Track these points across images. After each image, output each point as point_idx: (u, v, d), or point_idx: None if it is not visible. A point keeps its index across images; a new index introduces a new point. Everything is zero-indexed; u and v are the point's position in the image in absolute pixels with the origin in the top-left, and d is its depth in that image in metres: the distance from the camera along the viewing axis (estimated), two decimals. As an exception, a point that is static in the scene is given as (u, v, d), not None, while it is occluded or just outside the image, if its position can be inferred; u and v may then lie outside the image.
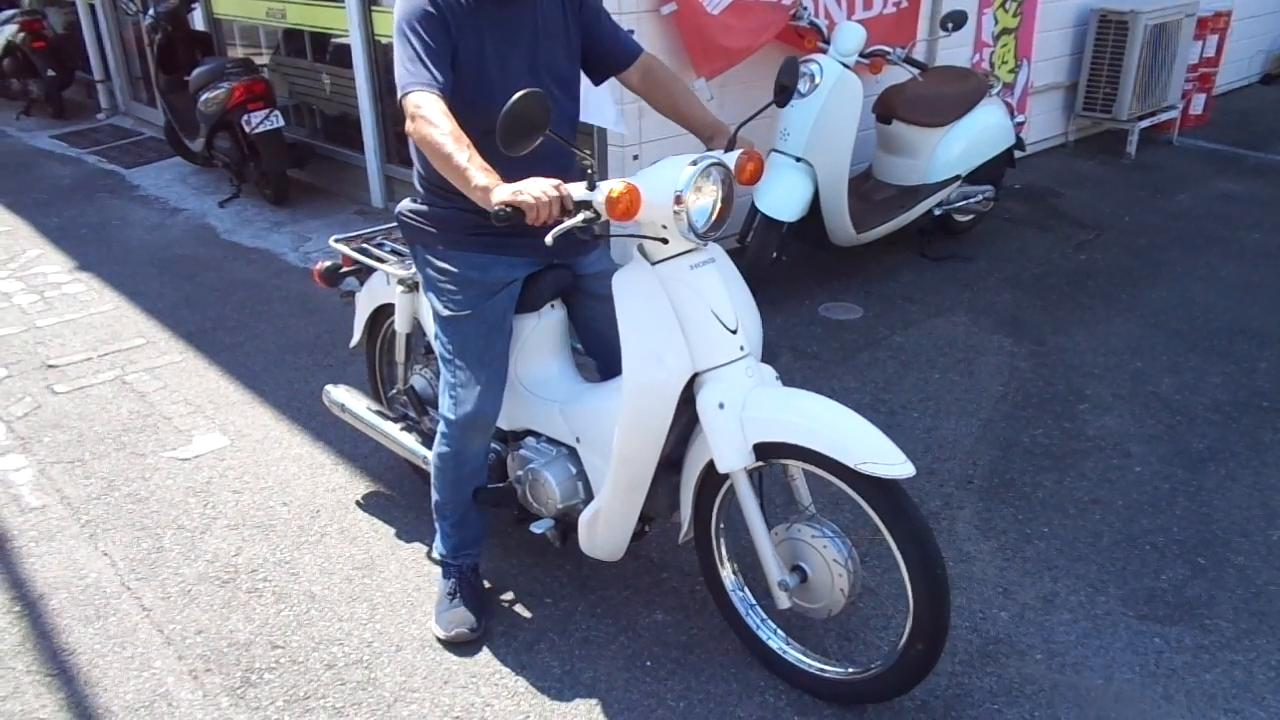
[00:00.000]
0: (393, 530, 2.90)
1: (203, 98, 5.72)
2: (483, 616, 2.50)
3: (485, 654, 2.43)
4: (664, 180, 1.98)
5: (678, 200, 1.96)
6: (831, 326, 4.10)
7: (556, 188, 1.94)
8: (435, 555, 2.61)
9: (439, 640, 2.46)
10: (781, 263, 4.24)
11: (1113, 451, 3.19)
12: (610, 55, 2.41)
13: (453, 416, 2.38)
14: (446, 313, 2.34)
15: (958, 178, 4.56)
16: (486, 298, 2.32)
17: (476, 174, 1.99)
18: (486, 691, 2.32)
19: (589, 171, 1.99)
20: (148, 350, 4.06)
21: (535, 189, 1.92)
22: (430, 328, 2.53)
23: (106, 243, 5.30)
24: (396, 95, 2.15)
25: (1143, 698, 2.25)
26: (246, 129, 5.51)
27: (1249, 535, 2.78)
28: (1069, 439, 3.26)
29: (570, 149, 2.07)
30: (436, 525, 2.56)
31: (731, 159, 2.10)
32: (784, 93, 2.18)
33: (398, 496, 3.05)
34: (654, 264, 2.08)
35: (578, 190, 1.98)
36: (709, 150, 2.22)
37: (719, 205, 2.05)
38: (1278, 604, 2.52)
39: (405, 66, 2.13)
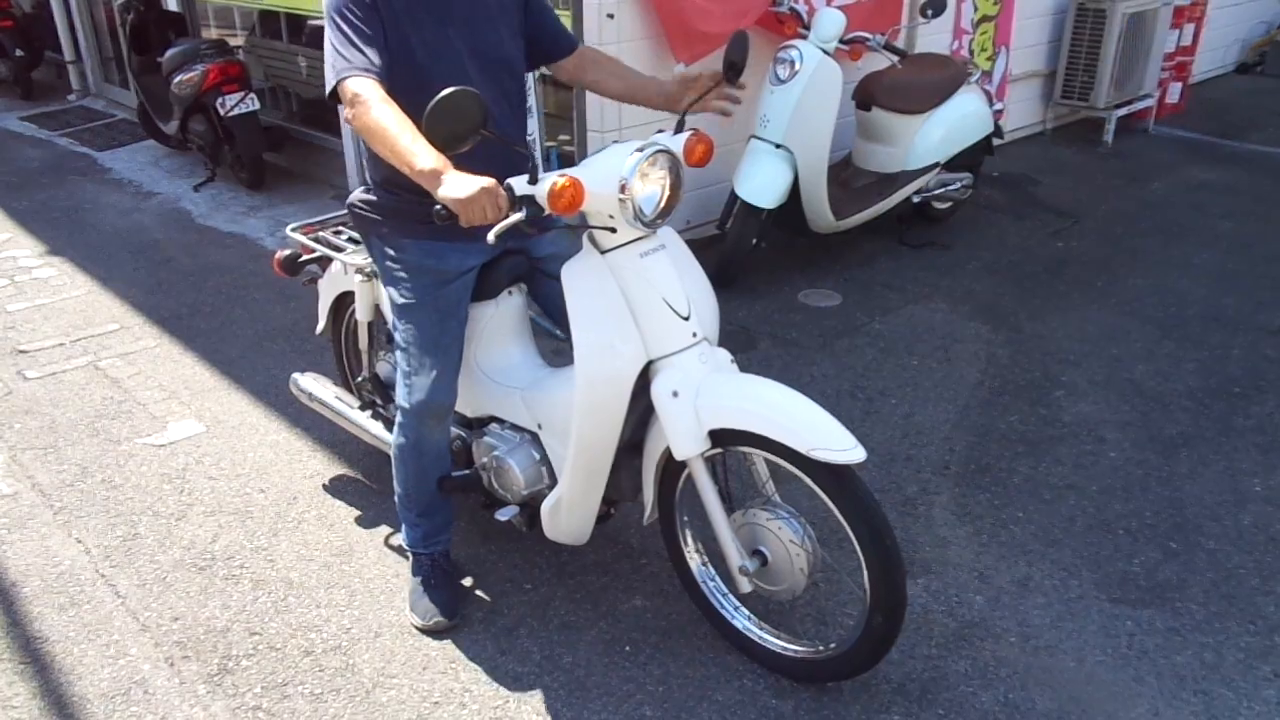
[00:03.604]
0: (371, 515, 2.88)
1: (176, 80, 5.64)
2: (458, 602, 2.50)
3: (464, 639, 2.43)
4: (608, 169, 1.94)
5: (623, 188, 1.92)
6: (811, 313, 4.11)
7: (493, 189, 1.84)
8: (396, 542, 2.59)
9: (417, 629, 2.46)
10: (761, 249, 4.25)
11: (1087, 437, 3.22)
12: (549, 42, 2.37)
13: (408, 404, 2.36)
14: (401, 301, 2.32)
15: (936, 165, 4.57)
16: (440, 286, 2.29)
17: (423, 157, 1.89)
18: (465, 677, 2.32)
19: (531, 165, 1.93)
20: (121, 336, 4.02)
21: (472, 188, 1.82)
22: (390, 316, 2.51)
23: (78, 226, 5.23)
24: (329, 83, 2.05)
25: (1114, 679, 2.28)
26: (221, 112, 5.44)
27: (1219, 519, 2.82)
28: (1045, 425, 3.29)
29: (510, 143, 1.94)
30: (401, 517, 2.55)
31: (679, 142, 2.04)
32: (733, 69, 2.11)
33: (375, 482, 3.03)
34: (604, 252, 2.05)
35: (520, 185, 1.93)
36: (678, 110, 2.19)
37: (667, 191, 2.00)
38: (1247, 587, 2.56)
39: (338, 52, 2.05)
